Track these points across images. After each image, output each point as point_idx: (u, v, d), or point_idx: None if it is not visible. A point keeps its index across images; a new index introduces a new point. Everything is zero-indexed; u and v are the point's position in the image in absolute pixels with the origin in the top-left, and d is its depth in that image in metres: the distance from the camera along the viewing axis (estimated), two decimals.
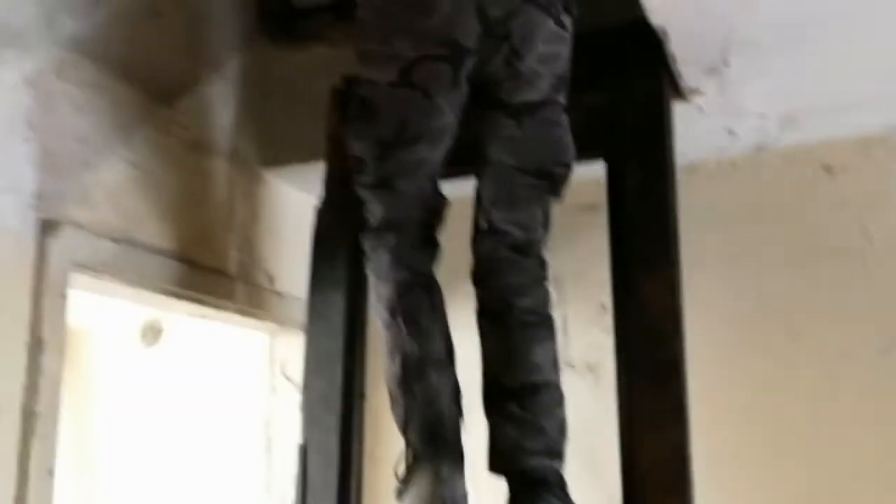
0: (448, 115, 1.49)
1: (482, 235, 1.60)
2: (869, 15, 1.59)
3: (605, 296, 1.95)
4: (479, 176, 1.61)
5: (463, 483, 1.48)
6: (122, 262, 1.75)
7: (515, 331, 1.55)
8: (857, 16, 1.60)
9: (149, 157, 1.86)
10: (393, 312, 1.54)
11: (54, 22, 1.63)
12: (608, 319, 1.79)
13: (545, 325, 1.58)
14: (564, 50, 1.51)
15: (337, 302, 1.90)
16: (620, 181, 1.77)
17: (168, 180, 1.91)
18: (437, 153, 1.54)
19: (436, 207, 1.61)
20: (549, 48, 1.48)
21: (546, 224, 1.60)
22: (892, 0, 1.56)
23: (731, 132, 2.08)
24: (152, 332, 2.78)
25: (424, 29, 1.40)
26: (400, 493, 1.49)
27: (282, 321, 2.28)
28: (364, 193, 1.60)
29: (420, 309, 1.55)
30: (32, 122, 1.58)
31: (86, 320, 2.76)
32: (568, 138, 1.57)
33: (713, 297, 2.12)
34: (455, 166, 1.62)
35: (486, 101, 1.52)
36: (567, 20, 1.50)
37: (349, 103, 1.61)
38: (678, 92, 1.86)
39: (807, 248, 2.12)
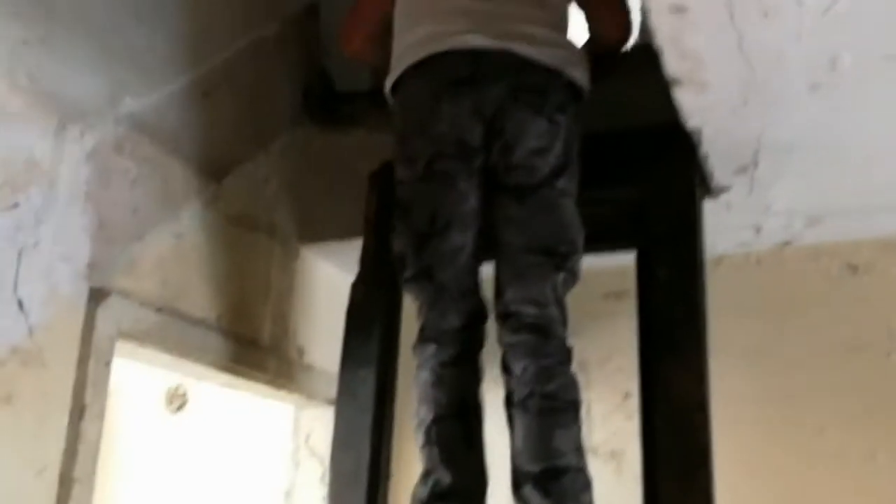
0: (471, 199, 1.65)
1: (501, 321, 1.65)
2: (886, 134, 1.66)
3: (630, 383, 1.98)
4: (496, 262, 1.69)
5: None
6: (164, 331, 1.80)
7: (537, 417, 1.57)
8: (883, 127, 1.67)
9: (194, 230, 1.93)
10: (428, 436, 1.59)
11: (117, 101, 1.73)
12: (632, 406, 1.81)
13: (568, 410, 1.60)
14: (559, 144, 1.64)
15: (368, 378, 1.93)
16: (651, 273, 1.81)
17: (210, 253, 1.98)
18: (468, 238, 1.65)
19: (476, 312, 1.67)
20: (541, 143, 1.63)
21: (559, 303, 1.64)
22: None
23: (757, 228, 2.13)
24: (177, 399, 2.80)
25: (436, 133, 1.63)
26: None
27: (309, 394, 2.31)
28: (408, 290, 1.72)
29: (454, 439, 1.59)
30: (90, 194, 1.65)
31: (111, 382, 2.79)
32: (569, 219, 1.66)
33: (736, 388, 2.13)
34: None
35: (492, 185, 1.66)
36: (562, 118, 1.65)
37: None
38: (708, 189, 1.92)
39: (831, 344, 2.14)
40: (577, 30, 1.85)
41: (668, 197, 1.83)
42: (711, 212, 1.93)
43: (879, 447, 2.02)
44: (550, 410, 1.58)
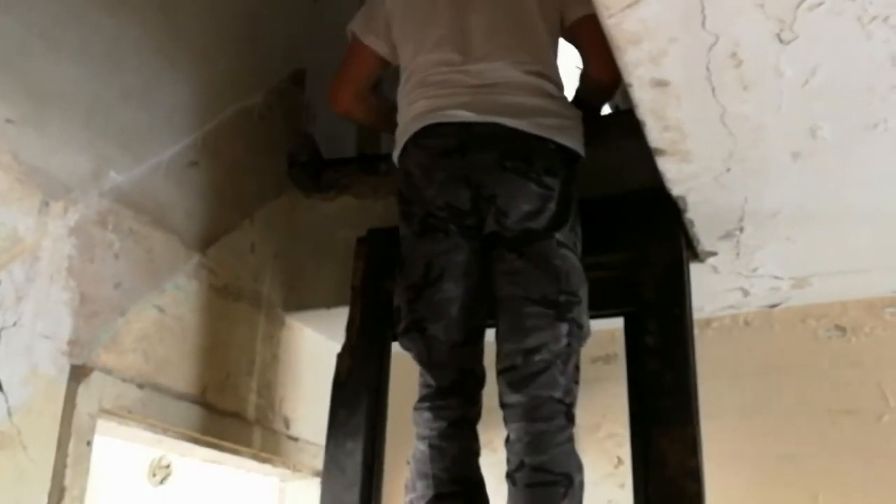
0: (465, 251, 1.71)
1: (500, 378, 1.63)
2: (875, 192, 1.68)
3: (621, 449, 1.95)
4: (495, 316, 1.69)
5: None
6: (146, 407, 1.76)
7: (524, 491, 1.54)
8: (863, 192, 1.68)
9: (178, 302, 1.91)
10: None
11: (101, 176, 1.72)
12: (624, 474, 1.78)
13: (558, 484, 1.54)
14: (552, 205, 1.68)
15: (355, 451, 1.90)
16: (640, 340, 1.80)
17: (194, 325, 1.95)
18: (460, 290, 1.69)
19: (469, 371, 1.67)
20: (534, 206, 1.67)
21: (564, 359, 1.61)
22: (893, 181, 1.64)
23: (745, 291, 2.13)
24: (161, 471, 2.74)
25: (428, 197, 1.73)
26: None
27: (294, 466, 2.26)
28: (402, 343, 1.75)
29: None
30: (73, 269, 1.63)
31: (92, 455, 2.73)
32: (571, 270, 1.66)
33: (728, 451, 2.10)
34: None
35: (491, 242, 1.70)
36: (551, 180, 1.69)
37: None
38: (695, 253, 1.92)
39: (823, 407, 2.13)
40: (567, 73, 1.89)
41: (656, 262, 1.83)
42: (699, 275, 1.94)
43: None
44: (539, 485, 1.54)
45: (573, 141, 1.75)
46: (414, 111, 1.79)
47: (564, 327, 1.60)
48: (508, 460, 1.59)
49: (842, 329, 2.17)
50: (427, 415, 1.65)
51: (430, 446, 1.61)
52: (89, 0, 1.70)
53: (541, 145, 1.71)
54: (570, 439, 1.58)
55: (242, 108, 2.17)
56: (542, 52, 1.81)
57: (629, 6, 1.15)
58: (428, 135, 1.75)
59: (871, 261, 1.99)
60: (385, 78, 2.09)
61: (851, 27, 1.18)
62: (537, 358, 1.59)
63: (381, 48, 1.95)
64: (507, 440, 1.61)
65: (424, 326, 1.69)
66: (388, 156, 2.57)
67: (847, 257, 1.97)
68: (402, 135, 1.81)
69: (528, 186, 1.68)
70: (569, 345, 1.61)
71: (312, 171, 2.40)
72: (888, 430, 2.06)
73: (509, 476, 1.58)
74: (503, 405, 1.62)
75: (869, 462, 2.05)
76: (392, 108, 1.91)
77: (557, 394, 1.59)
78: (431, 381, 1.67)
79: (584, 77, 1.90)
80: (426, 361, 1.69)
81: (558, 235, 1.67)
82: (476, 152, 1.70)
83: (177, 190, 1.93)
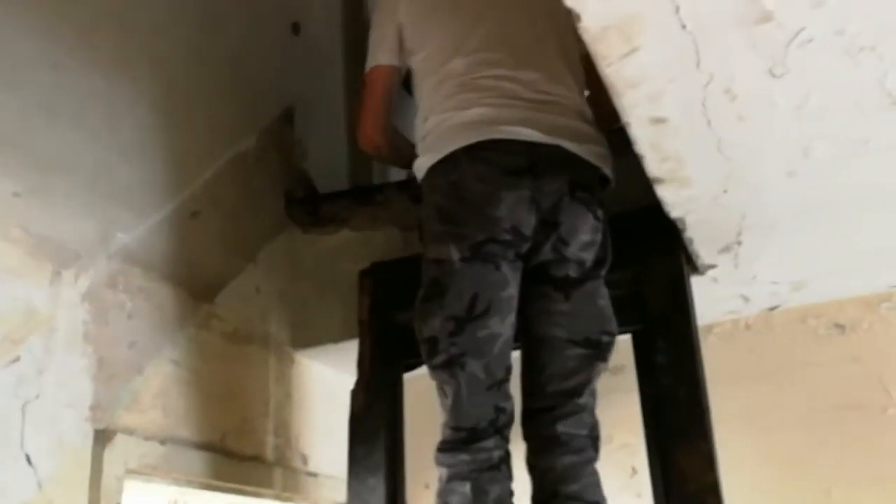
0: (512, 286, 1.63)
1: (535, 413, 1.65)
2: (866, 200, 1.72)
3: (635, 459, 1.98)
4: (528, 353, 1.69)
5: None
6: (170, 462, 1.78)
7: None
8: (856, 199, 1.73)
9: (191, 354, 1.93)
10: None
11: (109, 238, 1.73)
12: (640, 483, 1.82)
13: None
14: (599, 237, 1.69)
15: (377, 487, 1.92)
16: (649, 356, 1.84)
17: (209, 374, 1.97)
18: (505, 328, 1.62)
19: (505, 409, 1.60)
20: (590, 237, 1.66)
21: (593, 393, 1.67)
22: (883, 190, 1.69)
23: (744, 298, 2.17)
24: None
25: (493, 218, 1.61)
26: None
27: (316, 502, 2.29)
28: (437, 376, 1.63)
29: None
30: (89, 335, 1.65)
31: None
32: (610, 309, 1.70)
33: (739, 454, 2.14)
34: None
35: (536, 277, 1.67)
36: (601, 212, 1.69)
37: (421, 287, 1.69)
38: (695, 267, 1.96)
39: (828, 403, 2.18)
40: None
41: (659, 279, 1.87)
42: (699, 286, 1.98)
43: None
44: None
45: (611, 172, 1.73)
46: (466, 118, 1.67)
47: (602, 367, 1.65)
48: (540, 489, 1.63)
49: (841, 327, 2.22)
50: (464, 457, 1.55)
51: (475, 489, 1.53)
52: (84, 65, 1.71)
53: (595, 175, 1.70)
54: (597, 471, 1.62)
55: (237, 153, 2.19)
56: (577, 68, 1.77)
57: (626, 55, 1.18)
58: (490, 148, 1.63)
59: (866, 260, 2.04)
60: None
61: (840, 59, 1.22)
62: (581, 401, 1.64)
63: (394, 61, 1.87)
64: (534, 468, 1.64)
65: (464, 362, 1.58)
66: (383, 186, 2.63)
67: (842, 258, 2.02)
68: (446, 142, 1.67)
69: (588, 218, 1.66)
70: (597, 379, 1.66)
71: (309, 206, 2.42)
72: (893, 423, 2.11)
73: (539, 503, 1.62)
74: (535, 438, 1.63)
75: (877, 454, 2.10)
76: (409, 144, 1.88)
77: (589, 424, 1.65)
78: (464, 423, 1.57)
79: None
80: (460, 399, 1.58)
81: (602, 273, 1.69)
82: (548, 176, 1.63)
83: (181, 242, 1.95)
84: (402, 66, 1.89)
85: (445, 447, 1.59)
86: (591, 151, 1.68)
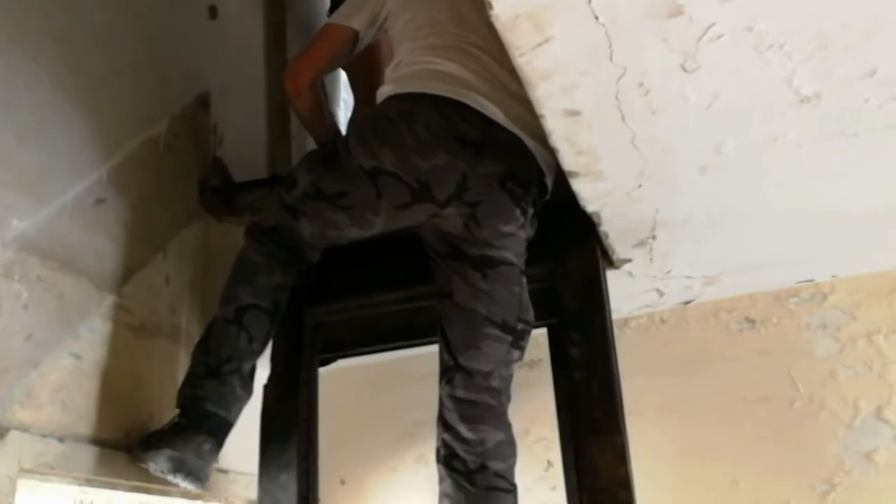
0: (379, 224, 1.71)
1: (452, 372, 1.66)
2: (777, 199, 1.76)
3: (550, 453, 1.98)
4: (445, 317, 1.71)
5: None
6: (69, 460, 1.70)
7: (483, 493, 1.58)
8: (765, 195, 1.76)
9: (94, 347, 1.84)
10: (239, 316, 1.81)
11: (3, 225, 1.64)
12: (555, 476, 1.82)
13: (511, 494, 1.62)
14: (522, 233, 1.69)
15: (289, 484, 1.89)
16: (564, 350, 1.84)
17: (113, 368, 1.88)
18: (345, 231, 1.76)
19: (305, 260, 1.88)
20: (508, 229, 1.66)
21: (507, 381, 1.69)
22: (791, 186, 1.73)
23: (659, 292, 2.20)
24: None
25: (412, 163, 1.64)
26: (148, 446, 1.70)
27: (227, 499, 2.23)
28: (275, 205, 1.85)
29: (261, 326, 1.82)
30: None
31: None
32: (527, 299, 1.70)
33: (650, 445, 2.18)
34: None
35: (455, 255, 1.69)
36: (531, 212, 1.70)
37: (322, 148, 1.89)
38: (610, 261, 1.98)
39: (738, 396, 2.23)
40: None
41: (574, 273, 1.87)
42: (615, 280, 1.99)
43: (793, 497, 2.09)
44: (501, 490, 1.59)
45: (551, 184, 1.75)
46: (446, 68, 1.67)
47: (516, 354, 1.66)
48: (463, 460, 1.61)
49: (751, 321, 2.27)
50: (270, 246, 1.86)
51: (268, 261, 1.86)
52: None
53: (535, 176, 1.71)
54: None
55: (148, 138, 2.10)
56: None
57: (538, 45, 1.17)
58: (454, 108, 1.64)
59: (775, 256, 2.09)
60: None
61: (750, 55, 1.23)
62: (493, 384, 1.64)
63: (363, 30, 1.85)
64: (454, 431, 1.63)
65: (298, 218, 1.78)
66: None
67: (752, 254, 2.06)
68: (417, 81, 1.69)
69: (513, 212, 1.66)
70: (512, 369, 1.66)
71: (224, 195, 2.35)
72: (799, 415, 2.17)
73: (468, 474, 1.60)
74: (456, 398, 1.64)
75: (784, 446, 2.15)
76: (330, 113, 1.93)
77: (506, 408, 1.67)
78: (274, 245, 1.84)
79: None
80: (282, 234, 1.82)
81: (520, 264, 1.69)
82: (489, 157, 1.64)
83: (84, 231, 1.86)
84: (364, 39, 1.88)
85: (254, 230, 1.91)
86: (543, 156, 1.68)
